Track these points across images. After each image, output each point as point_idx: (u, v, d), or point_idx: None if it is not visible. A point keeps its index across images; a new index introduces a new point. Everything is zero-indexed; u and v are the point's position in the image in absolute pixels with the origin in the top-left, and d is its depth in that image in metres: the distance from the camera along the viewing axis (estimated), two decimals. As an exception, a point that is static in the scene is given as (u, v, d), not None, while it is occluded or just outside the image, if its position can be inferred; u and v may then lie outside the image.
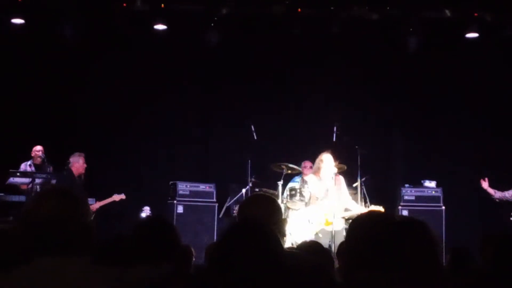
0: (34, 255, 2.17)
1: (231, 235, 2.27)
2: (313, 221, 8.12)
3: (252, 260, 2.17)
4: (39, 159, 9.77)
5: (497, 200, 9.59)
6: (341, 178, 8.42)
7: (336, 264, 4.50)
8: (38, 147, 9.80)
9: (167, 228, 3.22)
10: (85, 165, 9.40)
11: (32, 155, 9.84)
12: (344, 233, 7.89)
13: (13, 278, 2.15)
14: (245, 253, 2.18)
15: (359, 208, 8.24)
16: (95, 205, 9.28)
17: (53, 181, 9.27)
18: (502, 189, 9.60)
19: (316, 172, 8.36)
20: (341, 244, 4.88)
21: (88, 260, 2.20)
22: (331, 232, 7.92)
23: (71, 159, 9.38)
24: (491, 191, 9.56)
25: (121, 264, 2.60)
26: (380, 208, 7.92)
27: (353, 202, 8.45)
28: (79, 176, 9.40)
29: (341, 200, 8.21)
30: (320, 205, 8.17)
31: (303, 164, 9.93)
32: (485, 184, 9.58)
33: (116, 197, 9.65)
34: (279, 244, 2.30)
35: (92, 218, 2.32)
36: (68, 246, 2.20)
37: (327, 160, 8.22)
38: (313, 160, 8.91)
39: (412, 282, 1.99)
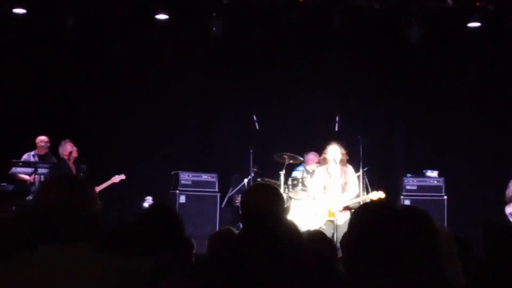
0: (39, 242, 2.18)
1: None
2: (316, 214, 8.18)
3: (256, 250, 2.18)
4: (43, 150, 9.69)
5: None
6: (348, 169, 8.43)
7: (340, 254, 4.51)
8: (43, 138, 9.70)
9: (171, 215, 3.25)
10: (75, 148, 9.22)
11: (37, 145, 9.73)
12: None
13: (16, 265, 2.15)
14: (249, 243, 2.19)
15: (361, 198, 8.26)
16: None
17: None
18: (502, 179, 9.61)
19: (321, 162, 8.45)
20: (345, 234, 4.90)
21: (93, 248, 2.20)
22: (334, 222, 7.97)
23: (60, 150, 9.27)
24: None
25: (127, 252, 2.61)
26: (381, 194, 7.98)
27: (359, 193, 8.46)
28: (75, 161, 9.25)
29: (347, 190, 8.25)
30: (322, 198, 8.22)
31: (306, 155, 9.91)
32: None
33: (116, 179, 9.52)
34: (288, 234, 2.31)
35: (100, 206, 2.31)
36: (74, 233, 2.20)
37: (331, 151, 8.29)
38: (317, 151, 8.98)
39: (412, 273, 2.00)
